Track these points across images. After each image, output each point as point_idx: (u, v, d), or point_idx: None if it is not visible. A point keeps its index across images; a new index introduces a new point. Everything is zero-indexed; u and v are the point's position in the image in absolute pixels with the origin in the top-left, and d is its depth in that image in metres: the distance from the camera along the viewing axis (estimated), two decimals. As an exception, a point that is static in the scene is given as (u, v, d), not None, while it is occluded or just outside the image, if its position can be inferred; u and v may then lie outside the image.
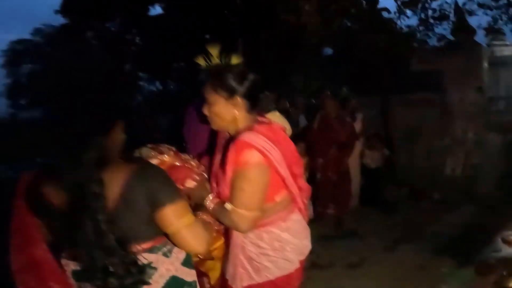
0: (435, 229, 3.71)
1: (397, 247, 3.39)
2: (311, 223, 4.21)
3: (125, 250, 1.01)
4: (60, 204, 1.00)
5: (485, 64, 5.26)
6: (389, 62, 5.72)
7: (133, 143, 1.43)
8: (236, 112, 1.34)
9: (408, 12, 6.88)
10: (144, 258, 1.06)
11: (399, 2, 6.61)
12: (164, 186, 1.07)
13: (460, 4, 6.51)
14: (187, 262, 1.18)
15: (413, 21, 7.27)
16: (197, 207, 1.35)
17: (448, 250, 3.07)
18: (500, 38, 9.76)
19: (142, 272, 1.04)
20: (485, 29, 7.95)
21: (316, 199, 4.05)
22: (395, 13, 6.75)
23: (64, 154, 0.99)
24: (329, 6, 5.74)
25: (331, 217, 4.04)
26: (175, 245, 1.13)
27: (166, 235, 1.11)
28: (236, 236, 1.40)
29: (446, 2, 6.88)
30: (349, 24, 6.63)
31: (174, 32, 8.17)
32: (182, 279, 1.15)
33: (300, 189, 1.46)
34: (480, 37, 7.67)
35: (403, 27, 7.00)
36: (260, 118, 1.43)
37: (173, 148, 1.44)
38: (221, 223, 1.38)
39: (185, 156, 1.46)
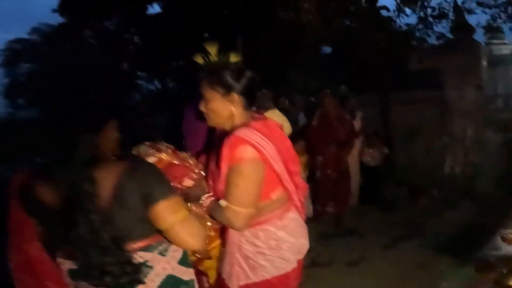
0: (434, 227, 3.71)
1: (396, 245, 3.39)
2: (311, 221, 4.22)
3: (120, 249, 1.00)
4: (53, 203, 0.99)
5: (484, 63, 5.26)
6: (388, 61, 5.72)
7: (133, 142, 1.43)
8: (233, 108, 1.33)
9: (407, 10, 6.88)
10: (140, 256, 1.06)
11: (398, 1, 6.61)
12: (156, 182, 1.06)
13: (459, 2, 6.52)
14: (183, 261, 1.17)
15: (412, 19, 7.28)
16: (187, 199, 1.33)
17: (448, 248, 3.07)
18: (499, 36, 9.76)
19: (137, 271, 1.03)
20: (484, 27, 7.96)
21: (315, 197, 4.05)
22: (394, 11, 6.76)
23: (56, 153, 0.98)
24: (329, 4, 5.73)
25: (330, 215, 4.04)
26: (171, 243, 1.12)
27: (161, 232, 1.10)
28: (232, 235, 1.39)
29: (445, 1, 6.90)
30: (348, 22, 6.63)
31: (172, 31, 8.16)
32: (179, 278, 1.14)
33: (297, 187, 1.44)
34: (479, 35, 7.68)
35: (402, 25, 7.01)
36: (256, 115, 1.42)
37: (171, 146, 1.43)
38: (217, 221, 1.37)
39: (183, 155, 1.45)
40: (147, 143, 1.40)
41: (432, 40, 7.13)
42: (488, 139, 5.00)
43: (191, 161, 1.45)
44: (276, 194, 1.38)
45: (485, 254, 2.29)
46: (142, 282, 1.05)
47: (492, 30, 8.36)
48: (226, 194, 1.29)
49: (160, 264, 1.10)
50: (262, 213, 1.35)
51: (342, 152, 4.03)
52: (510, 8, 7.63)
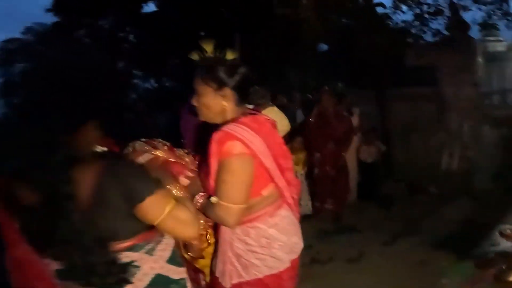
0: (433, 223, 3.71)
1: (396, 241, 3.39)
2: (310, 218, 4.20)
3: (104, 249, 0.99)
4: (33, 205, 0.97)
5: (480, 59, 5.29)
6: (385, 58, 5.73)
7: (127, 140, 1.41)
8: (225, 104, 1.31)
9: (404, 7, 6.90)
10: (126, 256, 1.04)
11: (394, -2, 6.62)
12: (138, 179, 1.04)
13: (454, -1, 6.53)
14: (173, 260, 1.15)
15: (409, 16, 7.30)
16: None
17: (447, 244, 3.07)
18: (494, 33, 9.82)
19: (124, 271, 1.02)
20: (479, 24, 8.00)
21: (314, 194, 4.05)
22: (390, 8, 6.77)
23: (32, 154, 0.95)
24: (326, 2, 5.73)
25: (329, 212, 4.05)
26: (159, 242, 1.11)
27: (149, 232, 1.09)
28: (224, 232, 1.37)
29: (441, -2, 6.91)
30: (345, 20, 6.64)
31: (168, 29, 8.11)
32: (168, 277, 1.13)
33: (289, 183, 1.41)
34: (475, 32, 7.72)
35: (399, 22, 7.03)
36: (248, 111, 1.40)
37: (167, 144, 1.42)
38: (209, 218, 1.34)
39: (179, 152, 1.44)
40: (143, 139, 1.39)
41: (428, 37, 7.16)
42: (485, 135, 5.02)
43: (187, 159, 1.43)
44: (267, 190, 1.35)
45: (484, 250, 2.29)
46: (129, 282, 1.04)
47: (487, 27, 8.41)
48: (216, 190, 1.28)
49: (148, 264, 1.09)
50: (253, 210, 1.33)
51: (340, 149, 4.03)
52: (505, 5, 7.68)
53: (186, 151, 1.49)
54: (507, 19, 7.87)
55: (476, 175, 4.76)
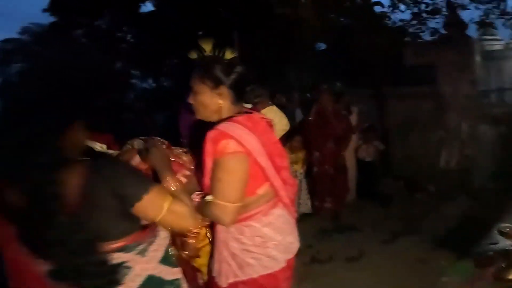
0: (432, 222, 3.72)
1: (395, 240, 3.40)
2: (310, 217, 4.19)
3: (94, 250, 0.98)
4: (22, 206, 0.96)
5: (477, 58, 5.30)
6: (383, 56, 5.74)
7: (125, 139, 1.40)
8: (221, 102, 1.32)
9: (402, 6, 6.91)
10: (117, 257, 1.04)
11: (392, -4, 6.63)
12: (130, 179, 1.04)
13: (452, -2, 6.55)
14: (166, 260, 1.15)
15: (406, 15, 7.32)
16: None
17: (446, 242, 3.08)
18: (491, 32, 9.84)
19: (115, 271, 1.01)
20: (477, 23, 8.02)
21: (313, 193, 4.05)
22: (388, 7, 6.78)
23: (18, 155, 0.94)
24: (324, 0, 5.73)
25: (329, 211, 4.05)
26: (151, 243, 1.11)
27: (141, 232, 1.09)
28: (220, 231, 1.37)
29: (439, -3, 6.92)
30: (343, 19, 6.64)
31: (166, 29, 8.09)
32: (160, 278, 1.12)
33: (285, 182, 1.40)
34: (472, 31, 7.73)
35: (397, 21, 7.04)
36: (244, 110, 1.40)
37: (166, 142, 1.41)
38: (206, 217, 1.33)
39: (177, 151, 1.43)
40: (141, 137, 1.39)
41: (426, 36, 7.18)
42: (483, 133, 5.03)
43: (184, 158, 1.43)
44: (263, 189, 1.35)
45: (484, 249, 2.29)
46: (120, 283, 1.03)
47: (485, 25, 8.43)
48: (211, 189, 1.27)
49: (140, 265, 1.08)
50: (248, 209, 1.32)
51: (340, 147, 4.03)
52: (502, 4, 7.70)
53: (185, 150, 1.49)
54: (505, 18, 7.90)
55: (475, 173, 4.77)
